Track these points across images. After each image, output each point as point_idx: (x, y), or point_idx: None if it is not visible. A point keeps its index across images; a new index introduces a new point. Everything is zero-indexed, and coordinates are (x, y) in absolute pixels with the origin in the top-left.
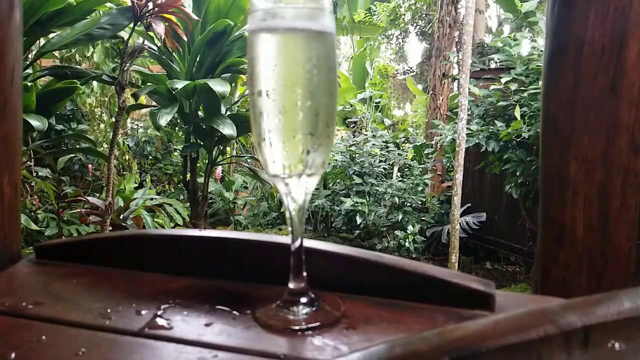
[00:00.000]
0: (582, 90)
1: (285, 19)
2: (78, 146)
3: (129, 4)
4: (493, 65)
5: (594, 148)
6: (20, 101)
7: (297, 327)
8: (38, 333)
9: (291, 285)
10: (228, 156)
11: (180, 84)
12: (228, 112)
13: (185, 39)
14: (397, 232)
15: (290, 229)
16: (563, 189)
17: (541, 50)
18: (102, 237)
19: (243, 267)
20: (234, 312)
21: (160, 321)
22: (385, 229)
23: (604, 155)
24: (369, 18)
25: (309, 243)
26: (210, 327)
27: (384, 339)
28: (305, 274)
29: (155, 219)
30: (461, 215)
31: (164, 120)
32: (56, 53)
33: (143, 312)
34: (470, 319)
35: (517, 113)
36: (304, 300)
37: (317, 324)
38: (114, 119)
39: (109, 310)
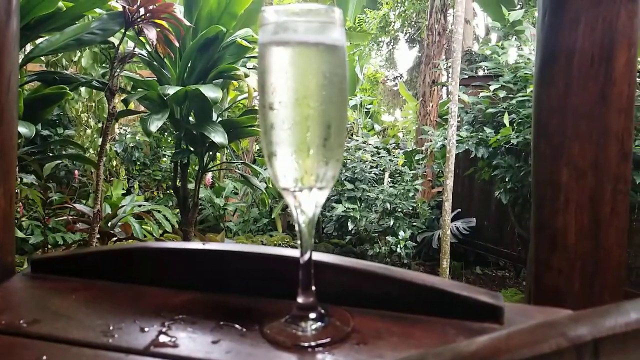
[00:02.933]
0: (573, 99)
1: (297, 33)
2: (65, 152)
3: (120, 9)
4: (481, 73)
5: (584, 155)
6: (16, 109)
7: (306, 344)
8: (38, 353)
9: (300, 299)
10: (219, 162)
11: (171, 90)
12: (219, 119)
13: (177, 44)
14: (389, 238)
15: (299, 242)
16: (555, 195)
17: (528, 59)
18: (101, 250)
19: (248, 281)
20: (241, 328)
21: (165, 338)
22: (376, 234)
23: (594, 162)
24: (360, 24)
25: (316, 256)
26: (217, 345)
27: (396, 354)
28: (314, 288)
29: (143, 226)
30: (451, 221)
31: (154, 126)
32: (42, 57)
33: (147, 329)
34: (480, 332)
35: (506, 120)
36: (312, 315)
37: (327, 340)
38: (101, 125)
39: (111, 328)
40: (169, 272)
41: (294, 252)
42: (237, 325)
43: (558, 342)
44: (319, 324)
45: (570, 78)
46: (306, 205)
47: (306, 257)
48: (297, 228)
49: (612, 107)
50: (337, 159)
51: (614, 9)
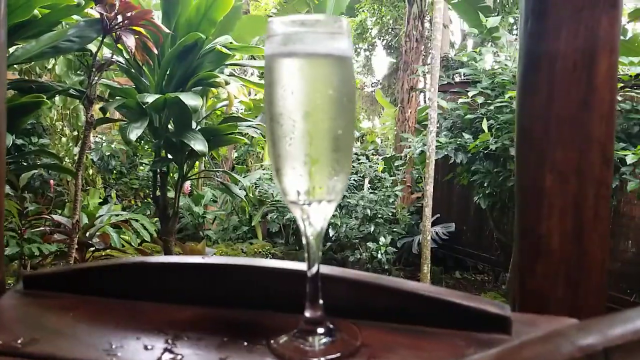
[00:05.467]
0: (556, 105)
1: (305, 44)
2: (40, 161)
3: (97, 16)
4: (458, 79)
5: (568, 161)
6: (4, 122)
7: (315, 359)
8: None
9: (307, 313)
10: (198, 170)
11: (150, 98)
12: (198, 127)
13: (156, 51)
14: (369, 244)
15: (306, 254)
16: (539, 201)
17: (505, 65)
18: (96, 266)
19: (252, 295)
20: (248, 343)
21: (170, 356)
22: (357, 240)
23: (577, 167)
24: None
25: (321, 268)
26: None
27: None
28: (321, 301)
29: (121, 236)
30: (431, 226)
31: (134, 134)
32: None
33: (150, 346)
34: (488, 343)
35: (485, 126)
36: (321, 330)
37: (337, 355)
38: (76, 133)
39: (113, 346)
40: (168, 288)
41: (299, 265)
42: (243, 341)
43: (571, 353)
44: (328, 338)
45: (553, 84)
46: (315, 219)
47: (314, 270)
48: (304, 241)
49: (594, 113)
50: (346, 171)
51: (595, 16)
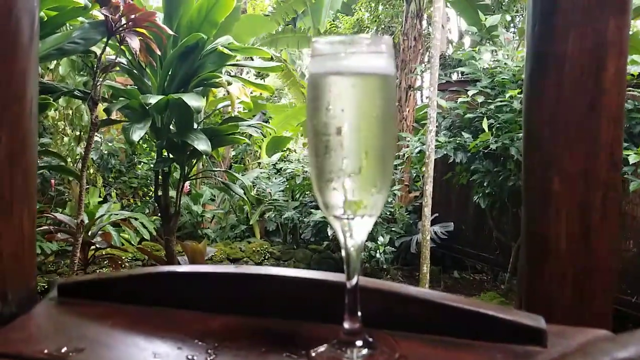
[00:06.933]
0: (563, 108)
1: (349, 63)
2: (43, 161)
3: (102, 18)
4: (456, 78)
5: (575, 164)
6: (36, 133)
7: None
8: None
9: (346, 325)
10: (198, 170)
11: (153, 99)
12: (199, 127)
13: (159, 53)
14: (368, 243)
15: (345, 267)
16: (546, 203)
17: (505, 64)
18: (130, 274)
19: (285, 305)
20: (288, 354)
21: None
22: None
23: (585, 170)
24: (334, 29)
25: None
26: None
27: None
28: (360, 313)
29: (121, 234)
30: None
31: (137, 135)
32: None
33: (191, 356)
34: (525, 355)
35: (485, 125)
36: (359, 342)
37: None
38: (78, 133)
39: (157, 357)
40: (201, 296)
41: (335, 276)
42: (283, 351)
43: None
44: (367, 350)
45: (560, 88)
46: (356, 232)
47: (353, 281)
48: (343, 253)
49: (602, 116)
50: (387, 186)
51: (603, 20)
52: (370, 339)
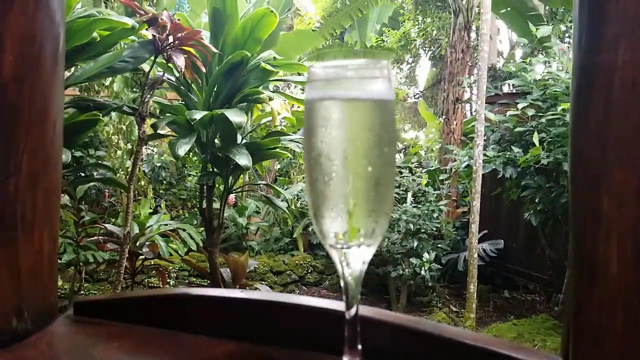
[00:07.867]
0: (613, 124)
1: (345, 89)
2: (97, 173)
3: (150, 37)
4: (506, 90)
5: (626, 183)
6: (61, 154)
7: None
8: None
9: (345, 358)
10: (242, 183)
11: (198, 115)
12: (243, 141)
13: (204, 70)
14: (413, 260)
15: (344, 296)
16: (596, 225)
17: (557, 75)
18: (143, 295)
19: (288, 333)
20: None
21: None
22: (399, 255)
23: (637, 190)
24: (381, 43)
25: (362, 310)
26: None
27: None
28: (360, 347)
29: (169, 244)
30: (478, 242)
31: (182, 150)
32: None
33: None
34: None
35: (536, 139)
36: None
37: None
38: (129, 146)
39: None
40: (209, 320)
41: (335, 304)
42: None
43: None
44: None
45: (609, 102)
46: (353, 261)
47: (352, 312)
48: (342, 282)
49: None
50: (386, 215)
51: None
52: None
